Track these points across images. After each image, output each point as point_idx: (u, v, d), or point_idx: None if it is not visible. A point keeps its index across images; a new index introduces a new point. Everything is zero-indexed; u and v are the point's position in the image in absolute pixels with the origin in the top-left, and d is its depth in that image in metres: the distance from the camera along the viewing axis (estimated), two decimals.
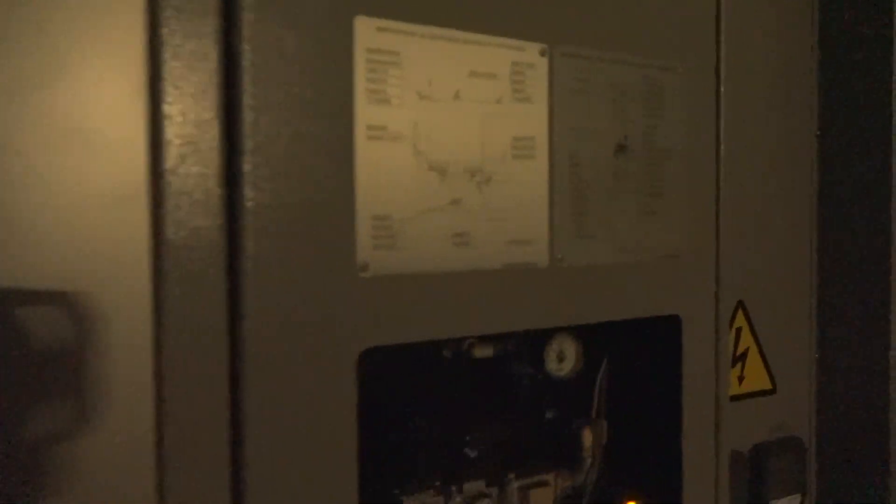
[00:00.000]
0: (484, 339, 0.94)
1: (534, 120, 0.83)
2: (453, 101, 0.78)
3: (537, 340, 0.96)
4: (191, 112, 0.66)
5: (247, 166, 0.68)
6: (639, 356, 1.00)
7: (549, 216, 0.85)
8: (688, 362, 0.98)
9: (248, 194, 0.68)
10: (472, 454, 0.99)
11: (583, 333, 0.96)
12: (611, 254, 0.90)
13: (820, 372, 1.41)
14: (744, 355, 1.32)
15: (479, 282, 0.80)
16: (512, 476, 0.96)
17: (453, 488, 0.93)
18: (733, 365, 1.31)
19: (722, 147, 1.00)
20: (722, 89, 1.00)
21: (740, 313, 1.31)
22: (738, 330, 1.31)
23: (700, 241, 0.98)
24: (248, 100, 0.68)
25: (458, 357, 0.95)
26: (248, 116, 0.68)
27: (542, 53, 0.84)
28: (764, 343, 1.34)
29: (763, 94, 1.23)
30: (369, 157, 0.73)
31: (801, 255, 1.38)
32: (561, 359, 0.94)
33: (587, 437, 1.04)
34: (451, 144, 0.78)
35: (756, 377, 1.34)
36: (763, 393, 1.34)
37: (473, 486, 0.96)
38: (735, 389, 1.31)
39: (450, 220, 0.78)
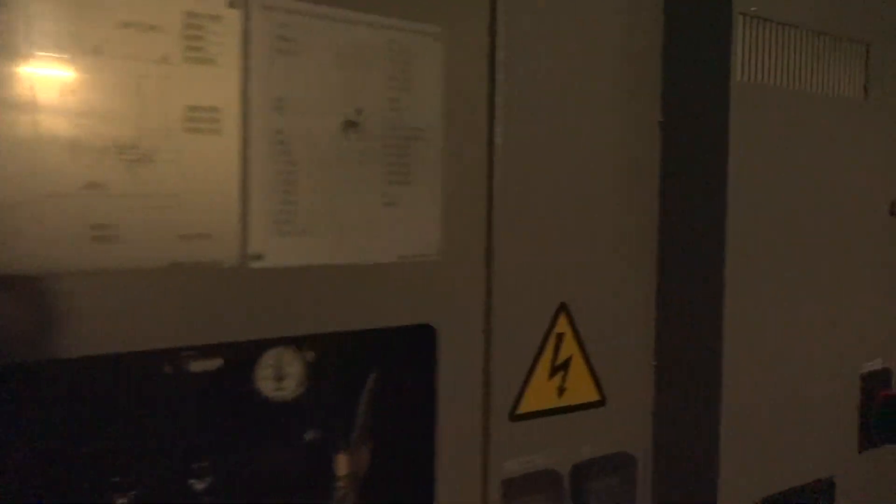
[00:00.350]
0: (205, 351, 0.79)
1: (218, 86, 0.67)
2: (92, 57, 0.62)
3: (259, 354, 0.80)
4: None
5: None
6: (396, 370, 0.85)
7: (240, 205, 0.69)
8: (446, 378, 0.83)
9: None
10: (200, 486, 0.84)
11: (322, 345, 0.81)
12: (333, 252, 0.75)
13: (658, 382, 1.28)
14: (566, 364, 1.19)
15: (130, 284, 0.64)
16: None
17: None
18: (553, 374, 1.17)
19: (497, 128, 0.86)
20: (499, 59, 0.85)
21: (563, 317, 1.18)
22: (560, 336, 1.17)
23: (464, 238, 0.84)
24: None
25: (179, 373, 0.79)
26: None
27: (232, 4, 0.68)
28: (591, 351, 1.20)
29: (582, 71, 1.08)
30: None
31: (641, 255, 1.25)
32: (280, 377, 0.78)
33: (342, 465, 0.89)
34: (88, 113, 0.62)
35: (581, 388, 1.20)
36: (589, 405, 1.21)
37: None
38: (554, 402, 1.17)
39: (84, 208, 0.62)
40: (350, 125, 0.75)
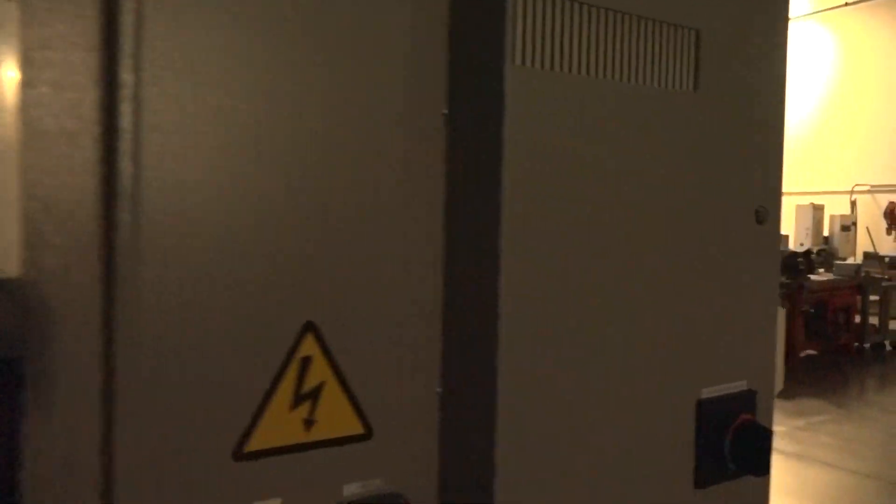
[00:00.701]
0: None
1: None
2: None
3: None
4: None
5: None
6: None
7: None
8: (43, 426, 0.67)
9: None
10: None
11: None
12: None
13: (443, 412, 1.12)
14: (316, 392, 1.02)
15: None
16: None
17: None
18: (297, 405, 1.01)
19: (124, 116, 0.69)
20: (123, 35, 0.69)
21: (310, 338, 1.02)
22: (306, 360, 1.01)
23: (65, 250, 0.67)
24: None
25: None
26: None
27: None
28: (352, 377, 1.04)
29: (316, 45, 0.91)
30: None
31: (422, 267, 1.09)
32: None
33: None
34: None
35: (337, 420, 1.04)
36: (350, 439, 1.05)
37: None
38: (299, 437, 1.01)
39: None
40: None
